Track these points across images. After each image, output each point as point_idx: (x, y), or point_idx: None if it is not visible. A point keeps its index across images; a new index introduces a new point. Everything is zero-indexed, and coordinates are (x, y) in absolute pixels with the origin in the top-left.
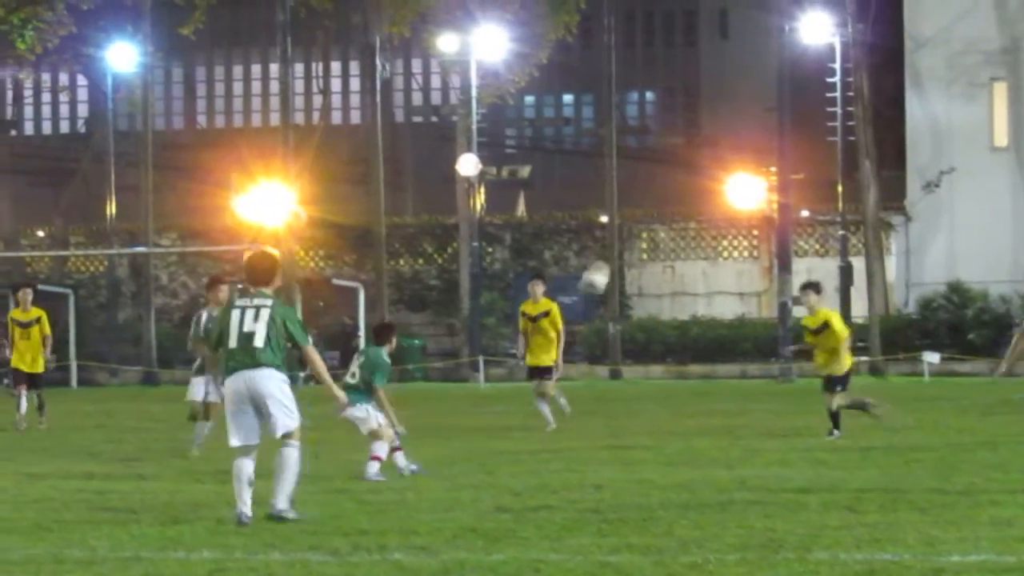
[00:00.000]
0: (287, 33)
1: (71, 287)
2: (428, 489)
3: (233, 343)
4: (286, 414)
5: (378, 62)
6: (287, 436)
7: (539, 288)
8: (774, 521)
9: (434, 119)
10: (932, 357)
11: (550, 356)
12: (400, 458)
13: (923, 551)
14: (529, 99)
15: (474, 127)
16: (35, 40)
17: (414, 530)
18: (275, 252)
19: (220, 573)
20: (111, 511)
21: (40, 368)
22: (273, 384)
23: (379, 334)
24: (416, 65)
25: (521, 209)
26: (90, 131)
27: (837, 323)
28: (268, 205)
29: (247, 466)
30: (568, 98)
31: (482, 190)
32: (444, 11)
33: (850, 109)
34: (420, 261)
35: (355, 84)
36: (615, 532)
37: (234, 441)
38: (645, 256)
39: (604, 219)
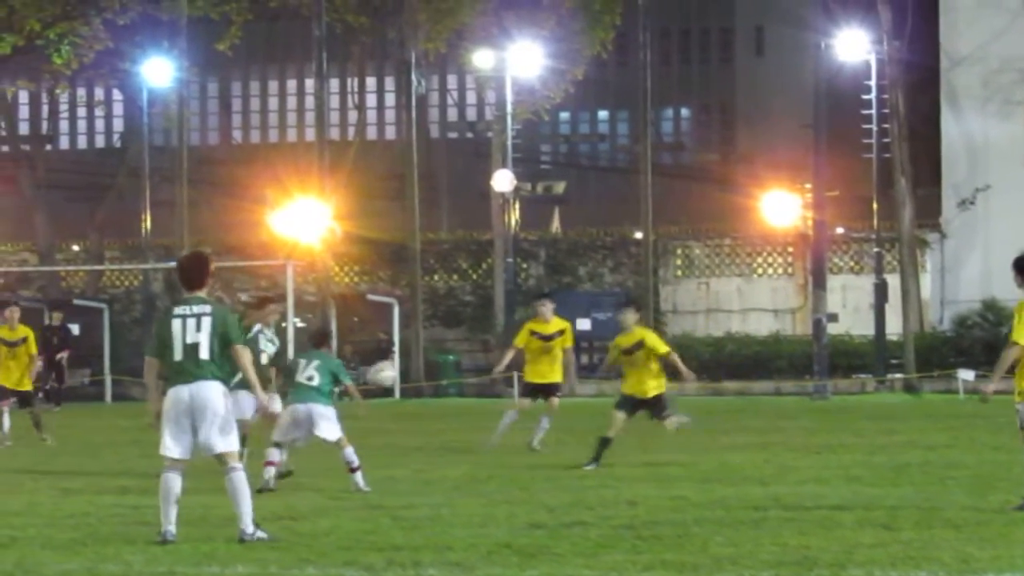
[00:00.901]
0: (323, 48)
1: (106, 301)
2: (463, 505)
3: (178, 355)
4: (224, 432)
5: (414, 78)
6: (226, 458)
7: (548, 308)
8: (809, 538)
9: (469, 135)
10: (967, 375)
11: (557, 374)
12: (272, 470)
13: (958, 569)
14: (564, 115)
15: (509, 143)
16: (71, 55)
17: (449, 546)
18: (207, 252)
19: None
20: (146, 526)
21: (27, 386)
22: (216, 399)
23: (319, 340)
24: (451, 81)
25: (556, 225)
26: (125, 146)
27: (653, 341)
28: (303, 220)
29: (175, 483)
30: (603, 114)
31: (517, 206)
32: (480, 27)
33: (886, 126)
34: (455, 277)
35: (390, 100)
36: (650, 549)
37: (169, 452)
38: (680, 273)
39: (639, 235)
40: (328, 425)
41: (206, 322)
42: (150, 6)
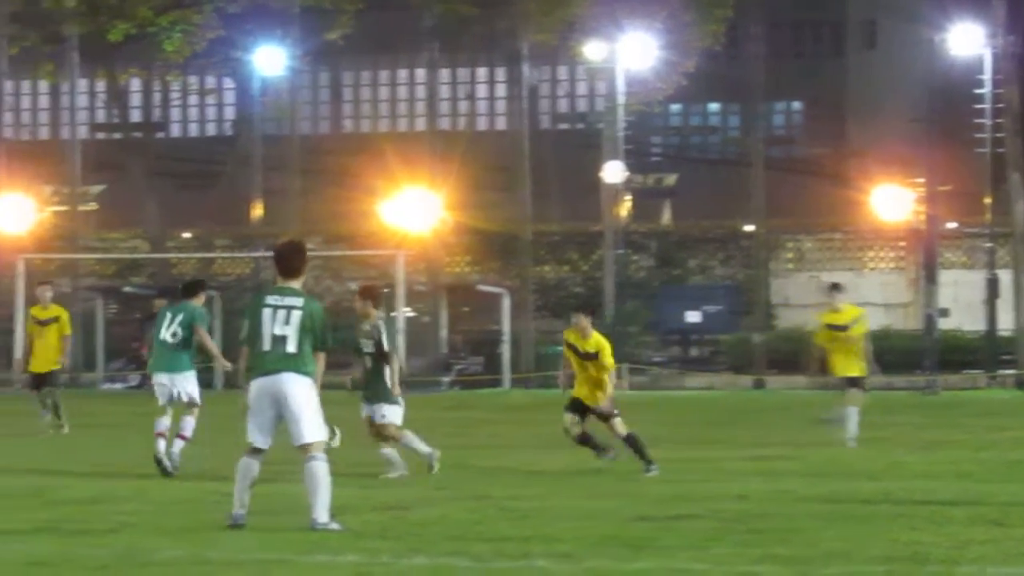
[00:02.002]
0: (434, 39)
1: (216, 289)
2: (570, 496)
3: (267, 345)
4: (311, 423)
5: (525, 69)
6: (308, 448)
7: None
8: (920, 534)
9: (580, 126)
10: None
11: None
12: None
13: None
14: (675, 107)
15: (620, 135)
16: (183, 43)
17: (557, 537)
18: (304, 242)
19: None
20: (256, 514)
21: (52, 367)
22: (302, 391)
23: (190, 290)
24: (562, 72)
25: (666, 217)
26: (236, 134)
27: (607, 356)
28: (414, 210)
29: (253, 467)
30: (714, 107)
31: (627, 198)
32: (591, 18)
33: (999, 121)
34: (565, 268)
35: (501, 90)
36: (758, 542)
37: (253, 440)
38: (791, 266)
39: (749, 228)
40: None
41: (295, 316)
42: None
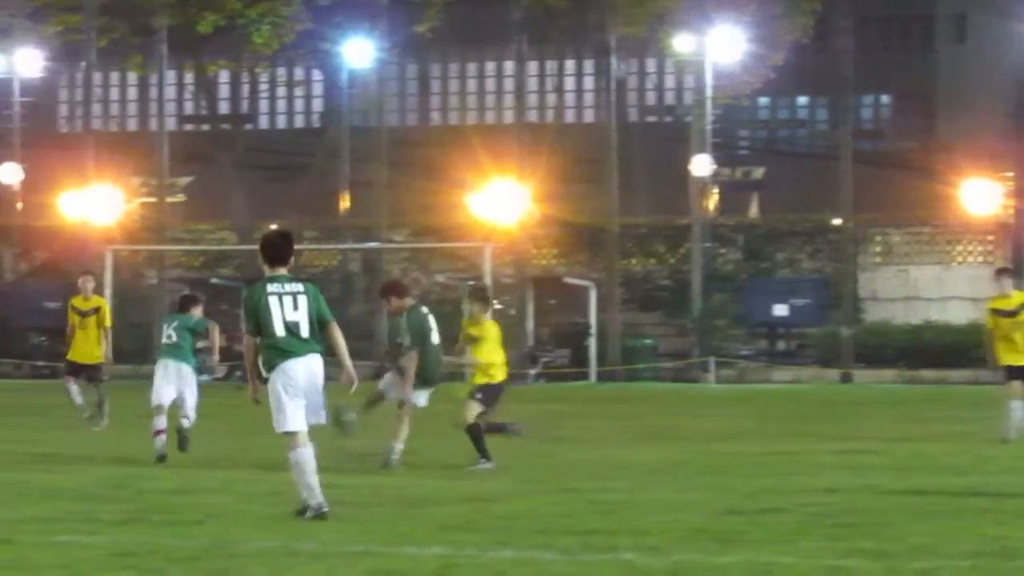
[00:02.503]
0: (522, 31)
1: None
2: (658, 489)
3: (281, 331)
4: (323, 406)
5: (613, 61)
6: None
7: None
8: (1008, 529)
9: (668, 119)
10: None
11: None
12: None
13: None
14: (763, 101)
15: (708, 128)
16: (272, 35)
17: (644, 530)
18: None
19: (450, 569)
20: (341, 505)
21: (95, 359)
22: (321, 371)
23: (185, 304)
24: (651, 65)
25: (754, 211)
26: (324, 126)
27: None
28: (501, 203)
29: (310, 455)
30: (803, 100)
31: (715, 191)
32: (680, 11)
33: None
34: (652, 261)
35: (589, 83)
36: (846, 536)
37: (297, 426)
38: (879, 260)
39: (837, 222)
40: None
41: (302, 300)
42: None
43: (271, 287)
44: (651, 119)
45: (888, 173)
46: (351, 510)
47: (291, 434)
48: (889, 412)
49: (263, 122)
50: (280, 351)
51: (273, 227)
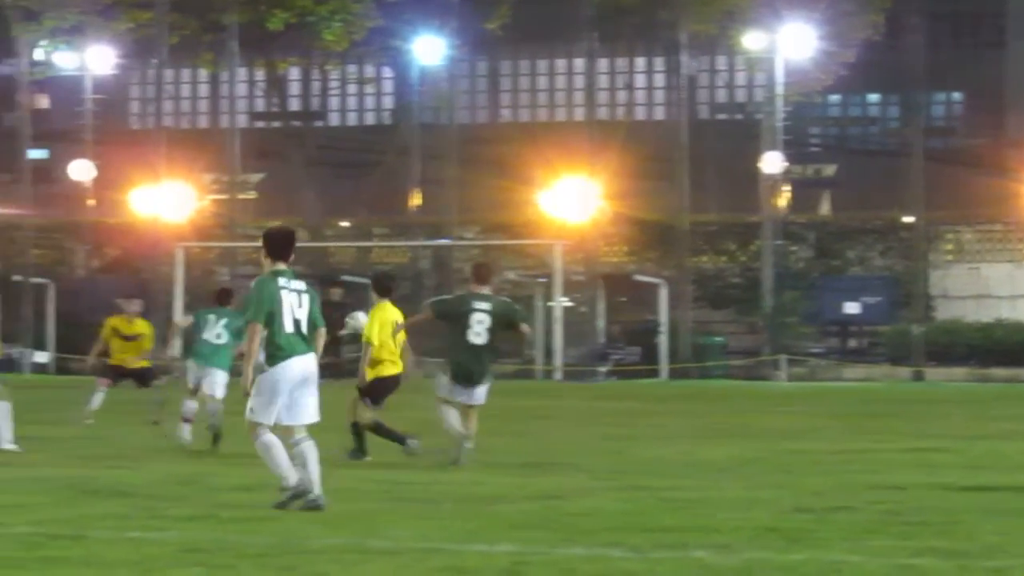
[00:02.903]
0: (593, 28)
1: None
2: (728, 487)
3: (289, 327)
4: (316, 406)
5: (683, 59)
6: (306, 429)
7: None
8: None
9: (738, 117)
10: None
11: None
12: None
13: None
14: (834, 98)
15: (779, 125)
16: (343, 32)
17: (715, 528)
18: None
19: (521, 566)
20: (412, 502)
21: (142, 364)
22: (316, 372)
23: (222, 298)
24: (721, 62)
25: (825, 208)
26: (395, 123)
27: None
28: (572, 200)
29: (276, 439)
30: (874, 97)
31: (786, 189)
32: (751, 9)
33: None
34: (722, 259)
35: (659, 80)
36: (917, 535)
37: (270, 421)
38: (950, 257)
39: (909, 220)
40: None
41: (305, 300)
42: None
43: (281, 282)
44: (722, 116)
45: (959, 170)
46: (422, 507)
47: (262, 424)
48: (960, 410)
49: (334, 119)
50: (285, 348)
51: (275, 223)
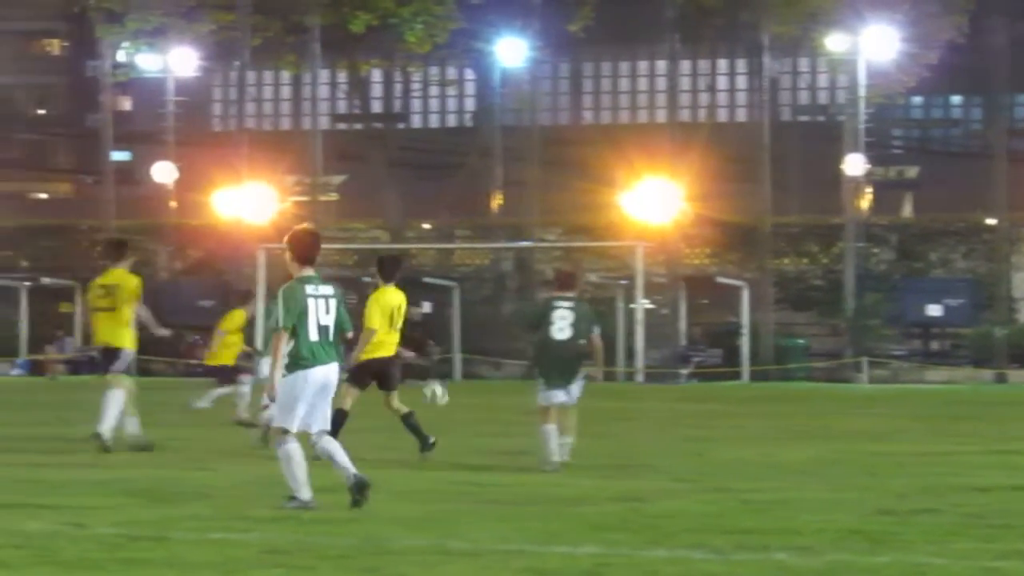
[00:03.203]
0: (675, 30)
1: (456, 280)
2: (810, 489)
3: (314, 335)
4: (329, 411)
5: (766, 60)
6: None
7: None
8: None
9: (821, 119)
10: None
11: None
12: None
13: None
14: (917, 99)
15: (861, 127)
16: (425, 34)
17: (797, 530)
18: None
19: (604, 568)
20: (494, 504)
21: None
22: (336, 381)
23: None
24: (804, 64)
25: (907, 210)
26: (477, 125)
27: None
28: (654, 202)
29: (299, 448)
30: (956, 99)
31: (868, 191)
32: (834, 10)
33: None
34: (804, 261)
35: (742, 82)
36: (1001, 538)
37: (294, 427)
38: None
39: (992, 222)
40: None
41: (332, 305)
42: None
43: (308, 288)
44: (804, 118)
45: None
46: (505, 508)
47: (287, 431)
48: None
49: (415, 121)
50: (308, 357)
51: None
